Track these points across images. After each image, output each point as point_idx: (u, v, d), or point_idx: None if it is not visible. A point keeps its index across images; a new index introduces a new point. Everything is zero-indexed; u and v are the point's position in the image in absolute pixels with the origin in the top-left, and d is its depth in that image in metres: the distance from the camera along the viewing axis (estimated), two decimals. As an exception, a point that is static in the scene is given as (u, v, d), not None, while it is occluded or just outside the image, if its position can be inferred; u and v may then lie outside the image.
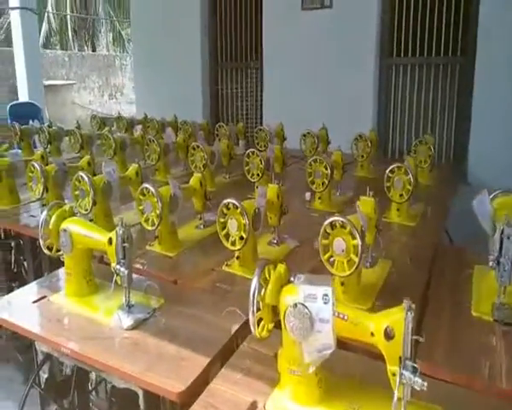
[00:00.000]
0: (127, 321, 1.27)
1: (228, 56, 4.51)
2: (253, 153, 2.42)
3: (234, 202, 1.52)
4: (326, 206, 2.29)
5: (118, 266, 1.29)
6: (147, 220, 1.74)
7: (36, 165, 2.12)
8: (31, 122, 3.86)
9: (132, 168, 2.15)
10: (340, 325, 0.90)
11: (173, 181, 1.83)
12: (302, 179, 3.02)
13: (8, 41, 11.04)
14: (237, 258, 1.59)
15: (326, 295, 0.90)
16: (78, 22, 13.89)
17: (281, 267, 1.00)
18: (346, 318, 0.91)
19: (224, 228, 1.58)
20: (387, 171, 2.04)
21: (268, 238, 1.87)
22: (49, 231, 1.44)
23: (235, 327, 1.27)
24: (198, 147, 2.61)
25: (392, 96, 3.61)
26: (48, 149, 3.41)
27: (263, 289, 0.97)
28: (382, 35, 3.46)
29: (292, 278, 1.01)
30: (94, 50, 14.45)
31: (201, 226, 2.04)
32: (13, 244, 2.45)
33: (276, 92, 4.04)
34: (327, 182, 2.20)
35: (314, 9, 3.63)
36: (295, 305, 0.91)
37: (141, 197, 1.75)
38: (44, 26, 13.14)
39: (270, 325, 1.01)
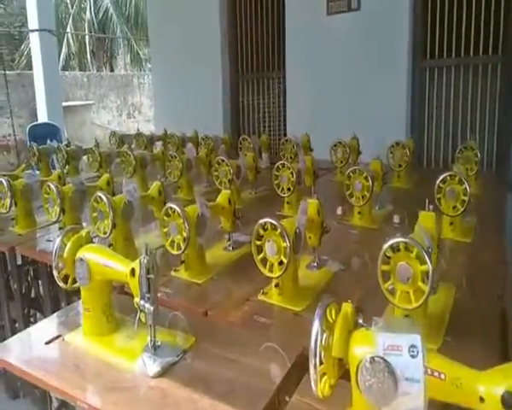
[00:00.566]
0: (153, 367, 1.08)
1: (249, 67, 4.37)
2: (283, 165, 2.23)
3: (272, 221, 1.32)
4: (366, 221, 2.07)
5: (142, 302, 1.11)
6: (172, 244, 1.56)
7: (51, 185, 1.97)
8: (48, 142, 3.78)
9: (154, 186, 1.98)
10: (435, 386, 0.69)
11: (201, 199, 1.65)
12: (333, 192, 2.83)
13: (29, 65, 11.27)
14: (276, 286, 1.39)
15: (414, 346, 0.69)
16: (96, 44, 14.13)
17: (347, 307, 0.79)
18: (442, 377, 0.69)
19: (260, 252, 1.38)
20: (438, 181, 1.82)
21: (306, 261, 1.66)
22: (63, 260, 1.27)
23: (281, 374, 1.06)
24: (223, 161, 2.43)
25: (427, 100, 3.38)
26: (66, 169, 3.30)
27: (325, 336, 0.76)
28: (415, 36, 3.25)
29: (360, 320, 0.80)
30: (112, 71, 14.67)
31: (230, 248, 1.85)
32: (30, 270, 2.32)
33: (300, 102, 3.86)
34: (368, 195, 1.98)
35: (340, 13, 3.46)
36: (373, 359, 0.70)
37: (165, 218, 1.57)
38: (64, 50, 13.40)
39: (334, 380, 0.80)
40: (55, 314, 1.42)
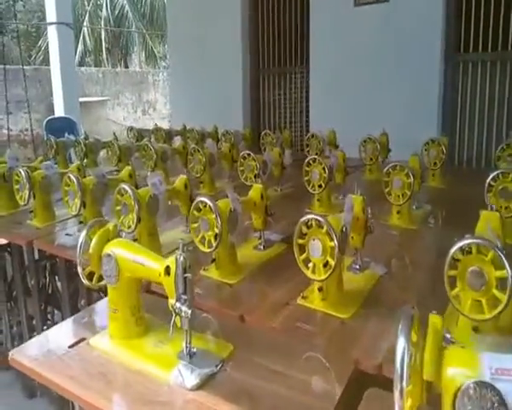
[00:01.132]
0: (191, 379, 0.96)
1: (270, 62, 4.24)
2: (314, 160, 2.10)
3: (318, 218, 1.20)
4: (405, 222, 1.93)
5: (178, 304, 0.99)
6: (202, 240, 1.45)
7: (72, 177, 1.87)
8: (66, 135, 3.70)
9: (180, 180, 1.87)
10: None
11: (233, 193, 1.53)
12: (365, 191, 2.67)
13: (46, 61, 11.28)
14: (319, 290, 1.26)
15: (532, 371, 0.55)
16: (111, 41, 14.14)
17: (436, 320, 0.66)
18: None
19: (302, 252, 1.25)
20: (489, 179, 1.68)
21: (347, 263, 1.53)
22: (89, 256, 1.16)
23: (335, 391, 0.94)
24: (249, 155, 2.32)
25: (460, 97, 3.22)
26: (84, 163, 3.21)
27: (412, 356, 0.63)
28: (449, 29, 3.09)
29: (448, 335, 0.67)
30: (126, 67, 14.66)
31: (261, 247, 1.73)
32: (47, 265, 2.23)
33: (324, 98, 3.73)
34: (408, 193, 1.84)
35: (369, 4, 3.31)
36: (478, 385, 0.57)
37: (195, 213, 1.46)
38: (79, 47, 13.43)
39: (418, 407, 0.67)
40: (78, 315, 1.31)
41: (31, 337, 2.24)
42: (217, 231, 1.40)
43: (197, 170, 2.56)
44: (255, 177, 2.31)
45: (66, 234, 1.99)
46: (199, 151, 2.55)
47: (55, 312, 2.29)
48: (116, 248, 1.12)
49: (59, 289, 2.14)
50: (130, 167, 2.13)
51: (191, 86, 4.58)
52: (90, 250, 1.15)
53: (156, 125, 4.20)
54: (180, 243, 1.00)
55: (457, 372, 0.60)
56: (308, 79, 3.91)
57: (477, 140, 3.24)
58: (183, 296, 1.00)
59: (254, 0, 4.21)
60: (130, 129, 4.04)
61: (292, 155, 3.45)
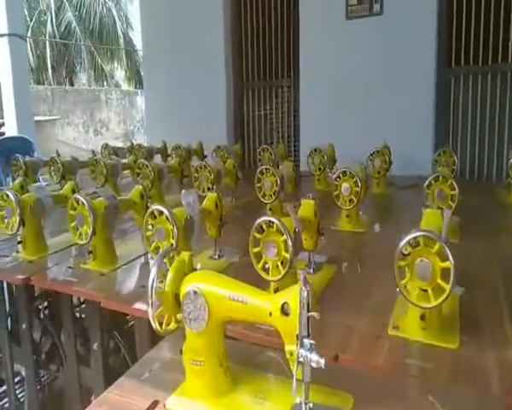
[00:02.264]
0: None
1: (255, 75, 4.10)
2: (344, 173, 1.96)
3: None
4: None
5: (303, 352, 0.78)
6: (273, 267, 1.25)
7: (82, 200, 1.59)
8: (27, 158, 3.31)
9: (210, 198, 1.65)
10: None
11: (293, 212, 1.35)
12: (380, 206, 2.60)
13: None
14: (422, 318, 1.10)
15: None
16: (57, 58, 13.41)
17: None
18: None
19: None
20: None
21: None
22: (163, 295, 0.92)
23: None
24: (267, 170, 2.13)
25: (452, 109, 3.27)
26: (61, 185, 2.86)
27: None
28: (441, 42, 3.14)
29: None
30: (72, 85, 13.94)
31: (311, 271, 1.55)
32: (43, 307, 1.88)
33: (315, 112, 3.64)
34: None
35: (361, 18, 3.30)
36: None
37: (257, 235, 1.25)
38: (21, 63, 12.55)
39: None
40: (133, 370, 1.04)
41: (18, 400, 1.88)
42: (287, 255, 1.20)
43: (203, 188, 2.33)
44: (274, 194, 2.13)
45: (69, 267, 1.68)
46: (206, 167, 2.33)
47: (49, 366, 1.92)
48: (202, 284, 0.89)
49: (59, 339, 1.80)
50: (141, 187, 1.86)
51: (169, 102, 4.32)
52: (166, 288, 0.91)
53: (131, 142, 3.91)
54: (301, 274, 0.80)
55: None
56: (296, 93, 3.82)
57: (469, 153, 3.30)
58: (309, 341, 0.79)
59: (237, 12, 4.07)
60: (105, 146, 3.73)
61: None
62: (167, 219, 1.39)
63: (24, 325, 1.75)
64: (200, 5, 4.05)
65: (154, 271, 0.92)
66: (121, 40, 14.16)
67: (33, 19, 12.93)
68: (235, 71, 4.10)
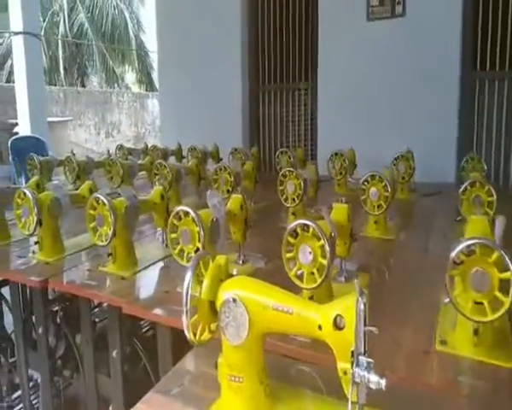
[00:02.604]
0: None
1: (271, 77, 4.03)
2: (372, 177, 1.88)
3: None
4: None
5: (359, 371, 0.70)
6: (308, 273, 1.17)
7: (103, 199, 1.52)
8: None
9: (235, 200, 1.57)
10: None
11: (328, 215, 1.27)
12: (409, 213, 2.50)
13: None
14: (475, 333, 1.01)
15: None
16: (69, 60, 13.48)
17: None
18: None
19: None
20: None
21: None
22: (198, 302, 0.84)
23: None
24: (291, 173, 2.06)
25: (476, 114, 3.17)
26: (76, 186, 2.81)
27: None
28: (465, 45, 3.04)
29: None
30: (83, 87, 13.99)
31: (342, 279, 1.47)
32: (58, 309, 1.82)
33: (333, 115, 3.56)
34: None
35: (383, 19, 3.22)
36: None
37: (290, 240, 1.17)
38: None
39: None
40: (161, 385, 0.97)
41: (33, 406, 1.81)
42: (324, 262, 1.12)
43: (223, 191, 2.26)
44: (298, 197, 2.05)
45: (88, 270, 1.61)
46: (226, 169, 2.26)
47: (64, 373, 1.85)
48: (241, 291, 0.81)
49: (74, 342, 1.73)
50: (161, 188, 1.79)
51: (184, 104, 4.27)
52: (202, 295, 0.84)
53: (146, 143, 3.87)
54: (356, 284, 0.73)
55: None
56: (314, 96, 3.75)
57: (494, 158, 3.19)
58: (365, 359, 0.71)
59: (254, 13, 4.01)
60: (120, 147, 3.69)
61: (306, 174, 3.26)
62: (193, 220, 1.32)
63: (40, 330, 1.68)
64: (217, 7, 4.00)
65: (188, 276, 0.85)
66: (133, 42, 14.22)
67: (46, 19, 13.01)
68: (251, 73, 4.04)
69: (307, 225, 1.14)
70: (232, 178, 2.24)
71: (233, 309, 0.80)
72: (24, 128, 5.57)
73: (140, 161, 3.14)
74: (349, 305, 0.72)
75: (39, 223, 1.71)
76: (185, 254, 1.35)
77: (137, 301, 1.37)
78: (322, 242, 1.12)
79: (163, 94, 4.61)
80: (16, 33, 5.14)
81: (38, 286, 1.53)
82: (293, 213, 2.11)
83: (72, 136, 9.82)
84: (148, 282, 1.55)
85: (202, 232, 1.30)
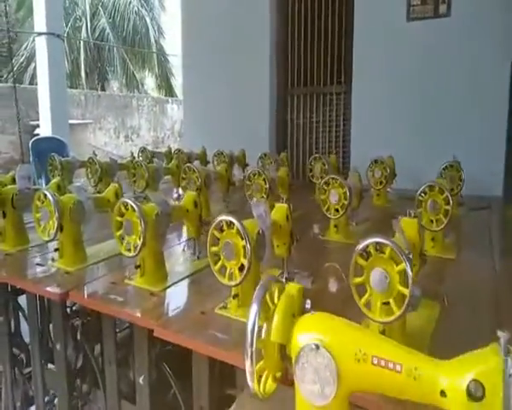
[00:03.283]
0: None
1: (301, 81, 3.83)
2: (431, 188, 1.67)
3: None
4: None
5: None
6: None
7: (131, 204, 1.34)
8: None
9: (280, 210, 1.38)
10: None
11: (400, 231, 1.07)
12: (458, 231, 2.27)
13: (18, 81, 10.50)
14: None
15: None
16: (90, 65, 13.55)
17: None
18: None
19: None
20: None
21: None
22: (264, 345, 0.65)
23: None
24: (335, 181, 1.85)
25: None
26: (98, 188, 2.66)
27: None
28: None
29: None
30: (103, 90, 14.02)
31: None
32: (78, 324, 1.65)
33: (368, 121, 3.35)
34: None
35: (425, 19, 3.01)
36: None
37: (360, 261, 0.97)
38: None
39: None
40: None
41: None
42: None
43: (257, 198, 2.07)
44: (342, 208, 1.84)
45: (113, 283, 1.44)
46: (261, 175, 2.07)
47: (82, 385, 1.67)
48: (325, 335, 0.62)
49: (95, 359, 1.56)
50: (194, 194, 1.61)
51: (209, 108, 4.11)
52: (272, 336, 0.64)
53: (169, 147, 3.71)
54: (501, 338, 0.52)
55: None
56: (347, 100, 3.54)
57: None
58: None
59: (284, 14, 3.81)
60: (143, 150, 3.54)
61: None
62: (238, 232, 1.13)
63: (58, 346, 1.51)
64: (245, 7, 3.84)
65: (254, 310, 0.65)
66: (153, 48, 14.23)
67: (69, 25, 13.11)
68: (279, 76, 3.86)
69: (383, 245, 0.94)
70: (267, 185, 2.05)
71: (315, 359, 0.61)
72: (45, 129, 5.49)
73: (165, 165, 2.98)
74: (491, 367, 0.51)
75: (60, 228, 1.55)
76: (227, 272, 1.16)
77: (170, 322, 1.18)
78: (402, 266, 0.91)
79: (187, 98, 4.46)
80: (40, 34, 5.08)
81: (58, 299, 1.36)
82: (336, 226, 1.91)
83: (92, 139, 9.78)
84: (180, 300, 1.37)
85: (249, 246, 1.11)
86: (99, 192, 2.48)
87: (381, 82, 3.25)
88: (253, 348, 0.64)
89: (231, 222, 1.14)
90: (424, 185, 1.69)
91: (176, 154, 3.28)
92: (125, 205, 1.37)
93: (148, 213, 1.38)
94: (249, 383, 0.65)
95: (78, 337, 1.61)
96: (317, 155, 2.81)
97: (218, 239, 1.17)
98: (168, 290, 1.38)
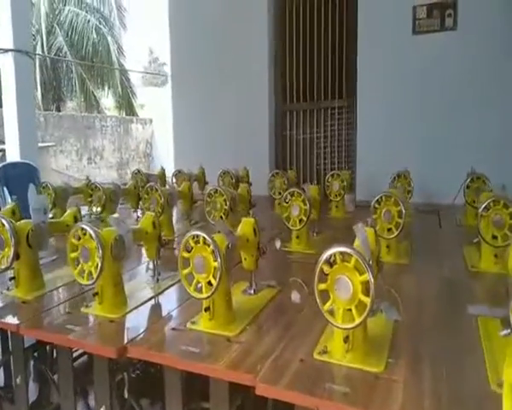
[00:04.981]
0: None
1: (300, 96, 3.76)
2: (495, 202, 1.60)
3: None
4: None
5: None
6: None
7: (89, 231, 1.26)
8: (31, 186, 2.86)
9: (247, 223, 1.35)
10: None
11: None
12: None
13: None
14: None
15: None
16: (46, 84, 12.90)
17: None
18: None
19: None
20: None
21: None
22: None
23: None
24: (389, 199, 1.74)
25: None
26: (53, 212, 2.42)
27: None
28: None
29: None
30: (58, 111, 13.37)
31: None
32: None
33: (375, 136, 3.31)
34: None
35: (431, 33, 3.02)
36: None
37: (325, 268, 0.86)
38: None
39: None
40: None
41: None
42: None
43: (295, 222, 1.92)
44: (396, 227, 1.73)
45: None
46: (300, 195, 1.92)
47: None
48: None
49: None
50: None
51: (202, 127, 3.94)
52: None
53: (162, 168, 3.48)
54: None
55: None
56: (351, 115, 3.50)
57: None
58: None
59: (282, 26, 3.72)
60: (137, 172, 3.31)
61: (352, 200, 2.98)
62: (208, 246, 0.97)
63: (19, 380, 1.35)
64: (242, 21, 3.73)
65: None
66: (116, 66, 13.81)
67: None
68: (277, 92, 3.77)
69: (348, 254, 0.96)
70: (307, 206, 1.90)
71: None
72: (13, 154, 5.04)
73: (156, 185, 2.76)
74: None
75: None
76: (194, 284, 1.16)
77: (142, 341, 1.15)
78: (366, 276, 0.93)
79: (177, 117, 4.24)
80: (6, 51, 4.69)
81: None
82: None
83: (53, 162, 9.22)
84: (144, 322, 1.30)
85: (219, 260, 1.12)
86: (52, 217, 2.28)
87: (386, 96, 3.25)
88: None
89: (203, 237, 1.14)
90: (488, 200, 1.62)
91: (175, 175, 3.10)
92: (83, 230, 1.27)
93: (106, 239, 1.29)
94: None
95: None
96: (334, 172, 2.72)
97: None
98: (129, 316, 1.32)
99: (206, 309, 1.16)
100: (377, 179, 2.70)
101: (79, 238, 1.29)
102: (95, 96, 13.46)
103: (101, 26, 13.43)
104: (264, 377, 0.96)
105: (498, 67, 2.92)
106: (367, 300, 0.93)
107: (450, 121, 3.09)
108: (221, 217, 2.08)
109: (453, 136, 3.07)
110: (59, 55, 12.79)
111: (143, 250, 1.76)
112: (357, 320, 0.94)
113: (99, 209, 2.42)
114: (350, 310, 0.96)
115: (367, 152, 3.35)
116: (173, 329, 1.21)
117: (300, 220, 1.89)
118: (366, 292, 0.93)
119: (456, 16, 2.98)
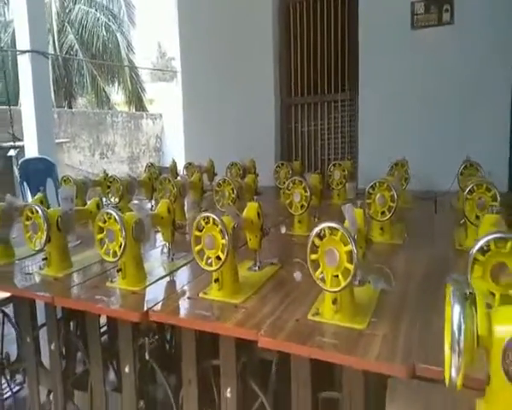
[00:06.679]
0: None
1: (304, 89, 3.91)
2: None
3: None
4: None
5: None
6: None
7: (114, 214, 1.44)
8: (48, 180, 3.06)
9: (251, 206, 1.53)
10: None
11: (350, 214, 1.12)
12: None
13: None
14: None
15: None
16: (58, 81, 13.20)
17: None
18: None
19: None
20: None
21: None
22: (470, 343, 0.67)
23: None
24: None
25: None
26: (119, 206, 2.60)
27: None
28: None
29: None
30: (70, 108, 13.67)
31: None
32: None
33: (376, 128, 3.45)
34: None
35: (429, 27, 3.15)
36: None
37: (316, 241, 1.01)
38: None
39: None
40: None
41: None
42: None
43: (296, 207, 2.09)
44: (389, 210, 1.90)
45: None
46: (301, 183, 2.09)
47: None
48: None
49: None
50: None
51: (211, 118, 4.11)
52: (480, 330, 0.66)
53: (173, 160, 3.67)
54: None
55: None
56: (353, 108, 3.64)
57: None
58: None
59: (286, 22, 3.87)
60: (150, 165, 3.50)
61: (354, 188, 3.12)
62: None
63: (53, 346, 1.55)
64: (247, 16, 3.89)
65: (457, 310, 0.67)
66: (125, 63, 14.05)
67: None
68: (282, 86, 3.92)
69: (335, 229, 1.14)
70: (308, 193, 2.07)
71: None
72: (31, 150, 5.29)
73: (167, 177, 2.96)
74: None
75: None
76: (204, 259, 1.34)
77: (163, 306, 1.34)
78: (349, 247, 1.11)
79: (187, 113, 4.42)
80: (23, 52, 4.92)
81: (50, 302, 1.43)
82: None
83: (67, 158, 9.50)
84: (162, 293, 1.48)
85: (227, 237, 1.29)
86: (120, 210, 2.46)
87: (386, 89, 3.38)
88: (461, 346, 0.66)
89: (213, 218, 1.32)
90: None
91: (186, 168, 3.29)
92: (108, 215, 1.46)
93: (129, 222, 1.47)
94: (453, 377, 0.67)
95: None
96: (336, 162, 2.88)
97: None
98: (148, 288, 1.50)
99: (216, 280, 1.34)
100: (378, 168, 2.83)
101: (105, 222, 1.48)
102: (105, 93, 13.76)
103: (111, 24, 13.65)
104: (265, 332, 1.14)
105: (494, 58, 3.03)
106: (351, 266, 1.10)
107: (448, 112, 3.21)
108: (229, 204, 2.26)
109: (451, 126, 3.20)
110: (70, 53, 13.08)
111: (158, 236, 1.95)
112: (343, 284, 1.11)
113: (117, 200, 2.61)
114: (337, 276, 1.13)
115: (368, 143, 3.49)
116: (188, 298, 1.40)
117: (302, 206, 2.07)
118: (350, 260, 1.11)
119: (452, 11, 3.10)
